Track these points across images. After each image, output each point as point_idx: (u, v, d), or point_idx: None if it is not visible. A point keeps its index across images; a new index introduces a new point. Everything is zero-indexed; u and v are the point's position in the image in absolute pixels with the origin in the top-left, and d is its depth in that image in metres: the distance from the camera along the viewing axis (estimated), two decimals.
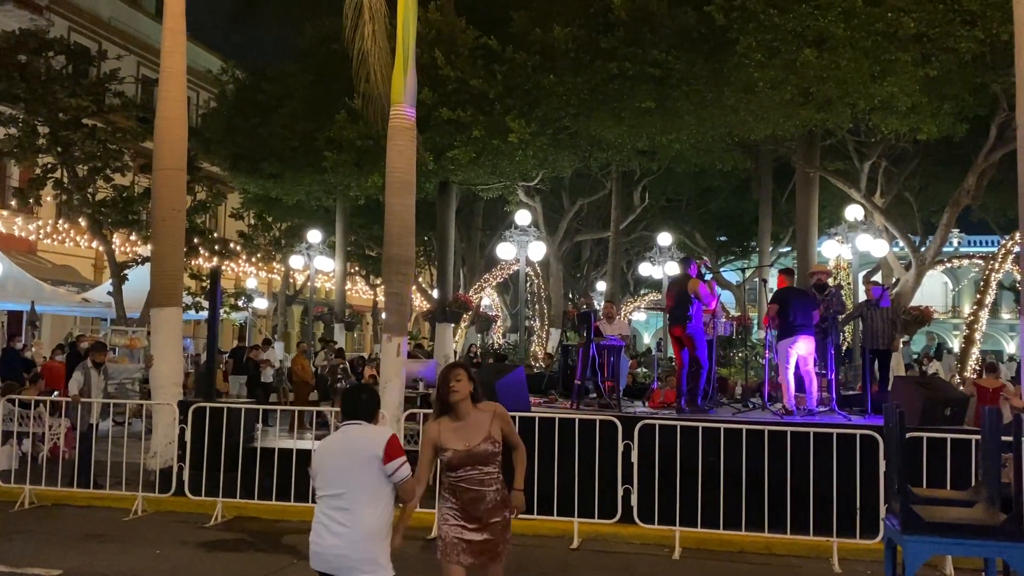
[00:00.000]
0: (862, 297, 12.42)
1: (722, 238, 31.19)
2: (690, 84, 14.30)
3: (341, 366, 16.36)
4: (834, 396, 10.29)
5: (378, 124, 11.69)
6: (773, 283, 11.09)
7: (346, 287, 26.89)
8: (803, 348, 9.95)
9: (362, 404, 4.25)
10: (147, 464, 10.31)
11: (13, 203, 23.93)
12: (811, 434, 8.20)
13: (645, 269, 24.18)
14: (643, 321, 44.09)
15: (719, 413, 10.10)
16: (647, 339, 48.09)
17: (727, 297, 25.11)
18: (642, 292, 34.57)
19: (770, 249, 24.19)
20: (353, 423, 4.18)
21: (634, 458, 8.34)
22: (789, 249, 27.45)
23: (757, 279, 21.12)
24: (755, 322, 19.80)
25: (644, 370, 18.88)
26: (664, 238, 22.50)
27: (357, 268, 32.62)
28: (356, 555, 3.99)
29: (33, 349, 18.25)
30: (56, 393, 12.85)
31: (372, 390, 4.56)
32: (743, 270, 23.51)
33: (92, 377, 10.45)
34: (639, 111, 14.69)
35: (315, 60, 18.73)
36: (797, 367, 10.09)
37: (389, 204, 10.70)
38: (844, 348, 12.74)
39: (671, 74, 14.20)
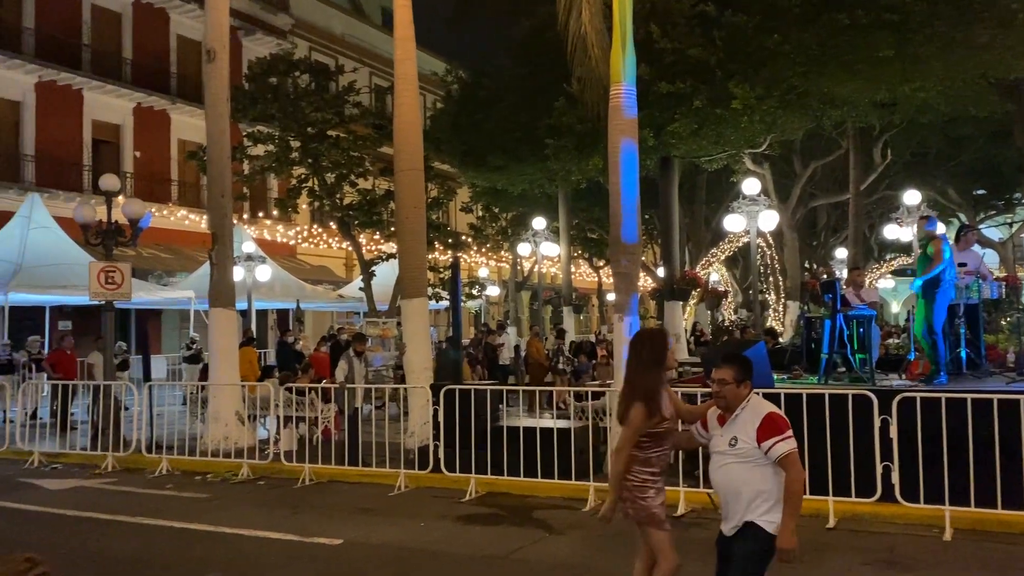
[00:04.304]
0: None
1: (980, 191, 28.16)
2: (933, 26, 13.05)
3: (563, 347, 16.74)
4: None
5: (596, 107, 11.75)
6: None
7: (571, 270, 27.33)
8: None
9: None
10: (406, 443, 11.14)
11: (275, 212, 26.79)
12: None
13: (891, 232, 22.40)
14: (891, 289, 40.74)
15: (989, 383, 9.19)
16: (895, 308, 44.59)
17: (991, 256, 22.71)
18: (888, 257, 32.04)
19: None
20: None
21: (893, 434, 7.80)
22: None
23: None
24: None
25: (895, 340, 17.58)
26: (911, 196, 20.70)
27: (580, 251, 33.05)
28: None
29: (301, 342, 20.29)
30: (324, 381, 14.21)
31: None
32: (1009, 224, 21.15)
33: (355, 365, 11.45)
34: (876, 62, 13.61)
35: (529, 51, 19.11)
36: None
37: (613, 184, 10.73)
38: None
39: (910, 18, 13.04)
